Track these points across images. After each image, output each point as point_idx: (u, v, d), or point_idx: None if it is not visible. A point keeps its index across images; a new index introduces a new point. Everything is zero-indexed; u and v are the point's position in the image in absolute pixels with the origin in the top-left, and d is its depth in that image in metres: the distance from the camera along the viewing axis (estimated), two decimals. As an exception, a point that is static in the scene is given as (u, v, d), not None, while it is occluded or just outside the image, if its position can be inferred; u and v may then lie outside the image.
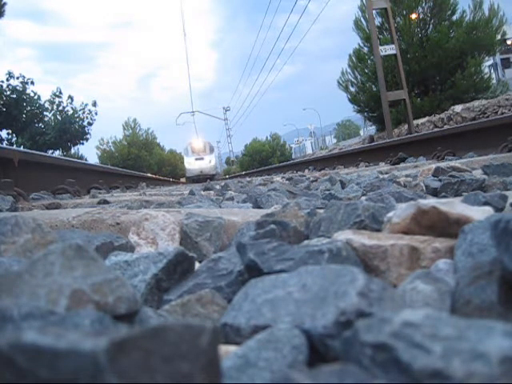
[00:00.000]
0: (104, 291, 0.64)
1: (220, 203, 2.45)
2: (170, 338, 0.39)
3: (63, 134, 35.09)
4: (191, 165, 45.99)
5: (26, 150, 7.68)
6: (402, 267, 0.78)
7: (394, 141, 9.84)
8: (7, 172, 4.56)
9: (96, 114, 37.72)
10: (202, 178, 38.93)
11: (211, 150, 48.28)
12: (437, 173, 2.87)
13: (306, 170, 10.91)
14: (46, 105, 35.33)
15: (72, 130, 35.67)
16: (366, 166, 7.98)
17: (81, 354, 0.34)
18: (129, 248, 1.10)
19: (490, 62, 36.45)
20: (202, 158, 46.20)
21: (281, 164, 23.95)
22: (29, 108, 32.25)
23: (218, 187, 4.57)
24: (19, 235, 1.03)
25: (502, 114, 13.11)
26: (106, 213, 1.50)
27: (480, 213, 0.89)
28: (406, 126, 15.99)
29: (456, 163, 3.31)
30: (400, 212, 0.95)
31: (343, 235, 0.88)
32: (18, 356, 0.35)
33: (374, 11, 15.77)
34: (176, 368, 0.38)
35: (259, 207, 2.09)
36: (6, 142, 31.32)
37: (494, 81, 27.52)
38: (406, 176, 3.47)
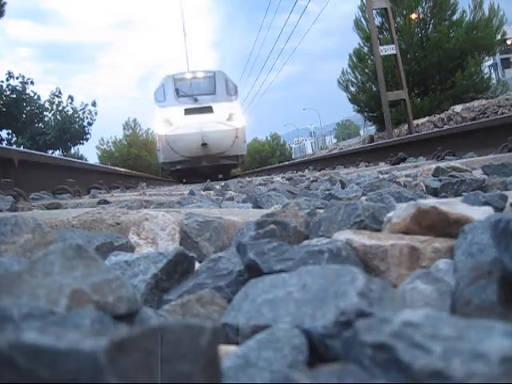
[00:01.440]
0: (104, 291, 0.64)
1: (220, 203, 2.45)
2: (170, 338, 0.39)
3: (63, 133, 35.22)
4: (176, 128, 18.09)
5: (25, 150, 7.69)
6: (402, 267, 0.78)
7: (393, 141, 9.84)
8: (7, 172, 4.55)
9: (96, 113, 37.84)
10: (204, 170, 18.11)
11: (231, 90, 19.43)
12: (437, 173, 2.87)
13: (306, 170, 10.90)
14: (46, 105, 35.46)
15: (72, 129, 35.79)
16: (366, 166, 7.98)
17: (81, 353, 0.34)
18: (129, 248, 1.10)
19: (490, 62, 36.48)
20: (206, 109, 18.32)
21: (281, 164, 23.70)
22: (29, 108, 32.34)
23: (218, 187, 4.57)
24: (19, 235, 1.03)
25: (502, 114, 13.12)
26: (106, 213, 1.50)
27: (480, 213, 0.89)
28: (406, 126, 16.00)
29: (456, 163, 3.32)
30: (400, 212, 0.95)
31: (343, 235, 0.88)
32: (17, 356, 0.35)
33: (373, 11, 15.79)
34: (176, 368, 0.38)
35: (259, 207, 2.09)
36: (5, 142, 31.37)
37: (494, 81, 27.56)
38: (406, 176, 3.47)
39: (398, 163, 6.89)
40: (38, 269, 0.69)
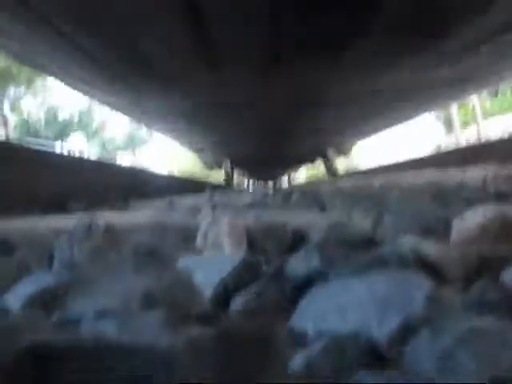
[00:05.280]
0: (175, 293, 0.66)
1: (285, 208, 2.46)
2: (241, 339, 0.41)
3: (130, 140, 36.36)
4: None
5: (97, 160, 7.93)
6: (470, 275, 0.77)
7: (462, 145, 9.60)
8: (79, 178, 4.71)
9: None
10: None
11: None
12: (509, 178, 2.79)
13: (372, 176, 10.72)
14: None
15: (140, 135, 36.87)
16: (434, 170, 7.78)
17: (158, 350, 0.36)
18: (197, 251, 1.13)
19: None
20: None
21: (346, 171, 23.44)
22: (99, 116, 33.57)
23: (283, 191, 4.59)
24: (92, 237, 1.07)
25: None
26: (175, 217, 1.54)
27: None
28: (475, 128, 15.58)
29: (529, 168, 3.20)
30: (469, 218, 0.94)
31: (410, 241, 0.88)
32: (98, 352, 0.38)
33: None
34: (246, 368, 0.40)
35: (325, 211, 2.09)
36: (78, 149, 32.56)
37: None
38: (476, 180, 3.38)
39: (468, 167, 6.70)
40: (111, 270, 0.72)
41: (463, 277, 0.77)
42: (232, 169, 11.22)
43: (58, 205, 3.16)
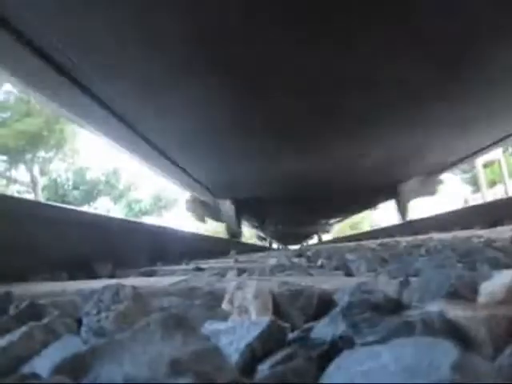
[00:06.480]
0: (201, 360, 0.67)
1: (311, 271, 2.45)
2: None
3: (158, 200, 36.77)
4: None
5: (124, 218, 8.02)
6: (499, 339, 0.76)
7: (489, 203, 9.50)
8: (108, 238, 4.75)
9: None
10: None
11: None
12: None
13: (398, 236, 10.65)
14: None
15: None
16: (461, 230, 7.71)
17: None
18: (223, 317, 1.13)
19: None
20: None
21: (371, 229, 23.53)
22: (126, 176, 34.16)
23: (309, 254, 4.57)
24: (120, 303, 1.08)
25: None
26: (201, 280, 1.55)
27: None
28: (502, 187, 15.44)
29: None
30: (496, 281, 0.93)
31: (436, 305, 0.87)
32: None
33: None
34: None
35: (350, 275, 2.08)
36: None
37: None
38: (504, 240, 3.34)
39: (495, 226, 6.62)
40: (139, 337, 0.73)
41: (492, 342, 0.76)
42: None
43: (83, 266, 3.19)
